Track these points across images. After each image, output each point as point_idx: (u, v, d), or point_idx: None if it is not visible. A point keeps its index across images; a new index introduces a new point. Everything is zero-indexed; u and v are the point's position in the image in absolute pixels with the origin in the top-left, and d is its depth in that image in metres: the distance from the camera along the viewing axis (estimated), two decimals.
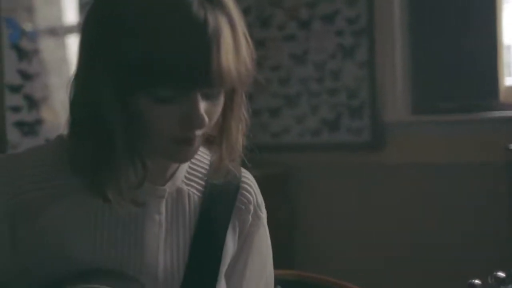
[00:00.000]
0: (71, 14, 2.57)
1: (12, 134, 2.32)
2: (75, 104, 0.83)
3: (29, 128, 2.35)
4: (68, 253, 0.84)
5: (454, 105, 2.60)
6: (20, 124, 2.34)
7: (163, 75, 0.75)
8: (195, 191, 0.92)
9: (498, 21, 2.52)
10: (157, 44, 0.74)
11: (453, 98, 2.61)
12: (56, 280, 0.82)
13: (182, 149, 0.82)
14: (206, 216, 0.91)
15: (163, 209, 0.89)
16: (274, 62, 2.88)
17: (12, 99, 2.33)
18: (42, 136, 2.37)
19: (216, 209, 0.92)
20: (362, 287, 1.22)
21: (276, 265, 1.04)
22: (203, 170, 0.94)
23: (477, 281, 0.83)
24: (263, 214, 0.99)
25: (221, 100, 0.83)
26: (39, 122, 2.39)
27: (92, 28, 0.81)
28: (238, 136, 0.88)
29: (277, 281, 1.06)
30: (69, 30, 2.56)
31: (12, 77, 2.33)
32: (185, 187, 0.92)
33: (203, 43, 0.75)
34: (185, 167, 0.93)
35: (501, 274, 0.84)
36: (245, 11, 3.35)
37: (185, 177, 0.92)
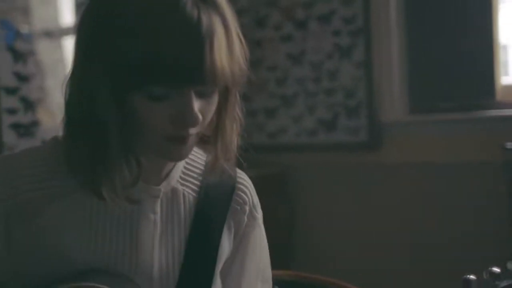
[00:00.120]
0: (67, 15, 2.56)
1: (8, 136, 2.31)
2: (70, 103, 0.83)
3: (25, 130, 2.35)
4: (64, 253, 0.84)
5: (451, 105, 2.59)
6: (16, 126, 2.33)
7: (157, 73, 0.76)
8: (190, 191, 0.93)
9: (494, 21, 2.52)
10: (151, 43, 0.75)
11: (450, 98, 2.60)
12: (51, 280, 0.82)
13: (176, 147, 0.82)
14: (201, 216, 0.92)
15: (158, 209, 0.89)
16: (271, 62, 2.88)
17: (8, 101, 2.32)
18: (38, 138, 2.37)
19: (211, 209, 0.92)
20: (360, 287, 1.22)
21: (274, 266, 1.04)
22: (198, 170, 0.95)
23: (472, 277, 0.83)
24: (259, 215, 1.00)
25: (215, 99, 0.84)
26: (35, 123, 2.38)
27: (87, 28, 0.82)
28: (233, 135, 0.89)
29: (275, 281, 1.06)
30: (65, 31, 2.55)
31: (7, 79, 2.33)
32: (180, 187, 0.92)
33: (197, 41, 0.76)
34: (180, 167, 0.93)
35: (496, 269, 0.84)
36: (241, 12, 3.34)
37: (180, 177, 0.93)
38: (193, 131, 0.82)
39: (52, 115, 2.40)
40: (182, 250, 0.90)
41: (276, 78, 2.88)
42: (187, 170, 0.94)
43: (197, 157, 0.96)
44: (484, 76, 2.53)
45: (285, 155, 2.86)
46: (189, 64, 0.76)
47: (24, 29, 2.38)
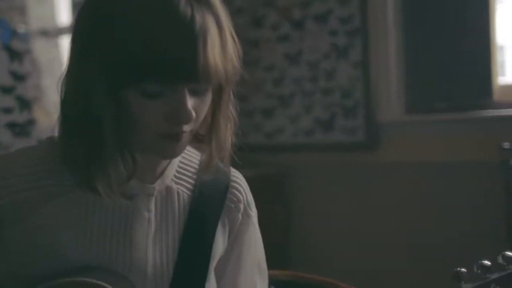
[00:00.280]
0: (63, 14, 2.56)
1: (4, 135, 2.31)
2: (66, 102, 0.84)
3: (21, 129, 2.34)
4: (60, 251, 0.85)
5: (448, 105, 2.59)
6: (11, 125, 2.33)
7: (151, 71, 0.77)
8: (184, 190, 0.94)
9: (491, 21, 2.53)
10: (145, 41, 0.77)
11: (447, 98, 2.60)
12: (44, 278, 0.82)
13: (169, 145, 0.83)
14: (195, 214, 0.92)
15: (152, 207, 0.90)
16: (268, 62, 2.88)
17: (4, 100, 2.32)
18: (34, 137, 2.36)
19: (206, 208, 0.93)
20: (358, 287, 1.22)
21: (271, 266, 1.05)
22: (192, 169, 0.96)
23: (463, 270, 0.83)
24: (253, 213, 1.00)
25: (209, 97, 0.84)
26: (31, 123, 2.38)
27: (83, 26, 0.83)
28: (227, 134, 0.89)
29: (272, 281, 1.06)
30: (61, 30, 2.55)
31: (3, 78, 2.32)
32: (174, 186, 0.93)
33: (190, 39, 0.77)
34: (174, 165, 0.94)
35: (487, 262, 0.85)
36: (238, 12, 3.34)
37: (175, 175, 0.93)
38: (186, 128, 0.82)
39: (48, 114, 2.39)
40: (176, 248, 0.91)
41: (273, 78, 2.88)
42: (182, 169, 0.94)
43: (192, 155, 0.96)
44: (481, 76, 2.53)
45: (282, 155, 2.85)
46: (182, 61, 0.77)
47: (20, 28, 2.37)
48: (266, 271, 1.03)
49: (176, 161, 0.94)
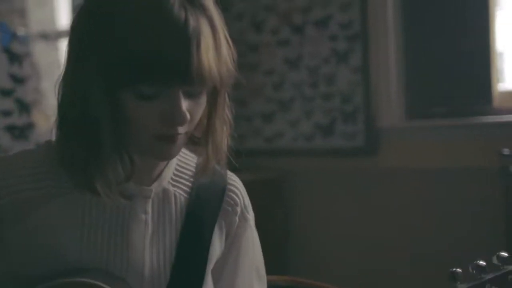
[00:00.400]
0: (63, 17, 2.56)
1: (3, 138, 2.31)
2: (63, 103, 0.85)
3: (20, 132, 2.34)
4: (59, 252, 0.85)
5: (448, 110, 2.59)
6: (11, 128, 2.32)
7: (146, 73, 0.78)
8: (181, 192, 0.94)
9: (491, 27, 2.53)
10: (140, 44, 0.78)
11: (447, 103, 2.60)
12: (44, 278, 0.83)
13: (165, 146, 0.84)
14: (192, 217, 0.93)
15: (149, 209, 0.91)
16: (268, 66, 2.87)
17: (3, 103, 2.32)
18: (32, 140, 2.36)
19: (203, 210, 0.94)
20: None
21: (270, 270, 1.04)
22: (189, 172, 0.96)
23: (458, 270, 0.85)
24: (250, 216, 1.01)
25: (203, 99, 0.85)
26: (30, 126, 2.37)
27: (80, 29, 0.84)
28: (223, 136, 0.90)
29: (270, 286, 1.06)
30: (61, 34, 2.55)
31: (3, 81, 2.32)
32: (171, 188, 0.94)
33: (184, 41, 0.79)
34: (171, 168, 0.94)
35: (482, 263, 0.86)
36: (239, 16, 3.34)
37: (172, 178, 0.94)
38: (181, 130, 0.83)
39: (47, 117, 2.39)
40: (173, 250, 0.91)
41: (273, 82, 2.87)
42: (179, 172, 0.95)
43: (188, 159, 0.97)
44: (481, 82, 2.53)
45: (281, 159, 2.85)
46: (176, 64, 0.79)
47: (20, 31, 2.37)
48: (265, 276, 1.03)
49: (173, 164, 0.95)
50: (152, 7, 0.79)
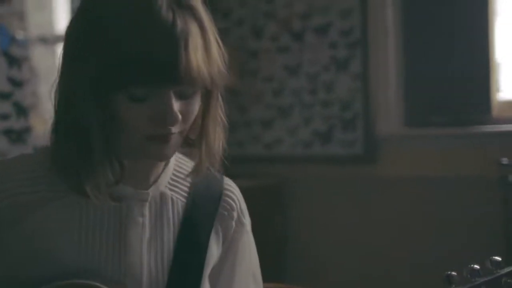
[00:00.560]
0: (62, 21, 2.56)
1: (0, 142, 2.30)
2: (56, 108, 0.86)
3: (17, 136, 2.33)
4: (56, 254, 0.86)
5: (446, 119, 2.59)
6: (8, 132, 2.31)
7: (136, 75, 0.79)
8: (179, 196, 0.95)
9: (490, 36, 2.53)
10: (128, 45, 0.79)
11: (446, 112, 2.60)
12: (42, 280, 0.84)
13: (157, 147, 0.84)
14: (190, 221, 0.93)
15: (146, 212, 0.91)
16: (267, 73, 2.87)
17: (1, 107, 2.31)
18: (30, 144, 2.35)
19: (199, 215, 0.94)
20: None
21: (269, 277, 1.04)
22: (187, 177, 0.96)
23: (453, 273, 0.87)
24: (247, 221, 1.01)
25: (196, 100, 0.86)
26: (27, 130, 2.37)
27: (72, 34, 0.85)
28: (216, 137, 0.90)
29: None
30: (60, 38, 2.54)
31: (1, 84, 2.31)
32: (168, 192, 0.94)
33: (171, 42, 0.79)
34: (169, 172, 0.95)
35: (476, 266, 0.89)
36: (239, 23, 3.34)
37: (169, 182, 0.94)
38: (174, 129, 0.83)
39: (45, 121, 2.38)
40: (171, 253, 0.92)
41: (272, 89, 2.87)
42: (176, 176, 0.95)
43: (186, 164, 0.97)
44: (480, 91, 2.53)
45: (280, 166, 2.85)
46: (165, 64, 0.79)
47: (19, 34, 2.37)
48: (261, 282, 1.03)
49: (170, 168, 0.95)
50: (139, 10, 0.80)
